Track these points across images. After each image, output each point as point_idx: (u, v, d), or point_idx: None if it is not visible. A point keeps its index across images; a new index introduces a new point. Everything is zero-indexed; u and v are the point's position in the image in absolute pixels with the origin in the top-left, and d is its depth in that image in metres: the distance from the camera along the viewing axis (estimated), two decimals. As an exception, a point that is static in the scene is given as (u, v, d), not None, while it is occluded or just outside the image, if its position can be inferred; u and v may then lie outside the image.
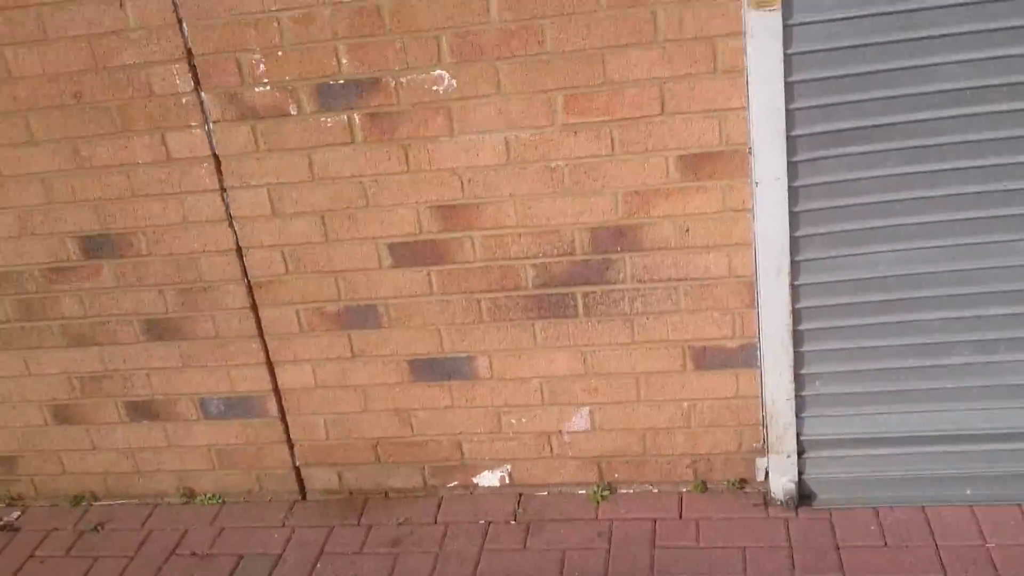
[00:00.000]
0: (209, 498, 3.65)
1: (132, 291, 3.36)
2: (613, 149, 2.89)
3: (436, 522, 3.35)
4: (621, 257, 3.01)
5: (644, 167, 2.90)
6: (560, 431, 3.29)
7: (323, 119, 2.98)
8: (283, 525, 3.47)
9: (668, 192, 2.91)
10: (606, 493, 3.30)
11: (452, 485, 3.46)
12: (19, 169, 3.24)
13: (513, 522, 3.28)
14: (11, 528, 3.70)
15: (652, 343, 3.10)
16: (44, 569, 3.45)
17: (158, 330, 3.41)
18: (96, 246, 3.31)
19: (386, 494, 3.52)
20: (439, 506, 3.42)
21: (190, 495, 3.68)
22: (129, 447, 3.65)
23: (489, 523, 3.29)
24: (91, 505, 3.75)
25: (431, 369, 3.29)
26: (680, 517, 3.15)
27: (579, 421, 3.25)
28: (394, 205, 3.07)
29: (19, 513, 3.78)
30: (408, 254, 3.13)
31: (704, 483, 3.26)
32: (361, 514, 3.46)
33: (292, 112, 2.99)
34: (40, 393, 3.62)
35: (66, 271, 3.37)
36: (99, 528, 3.62)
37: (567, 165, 2.93)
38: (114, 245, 3.30)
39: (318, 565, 3.25)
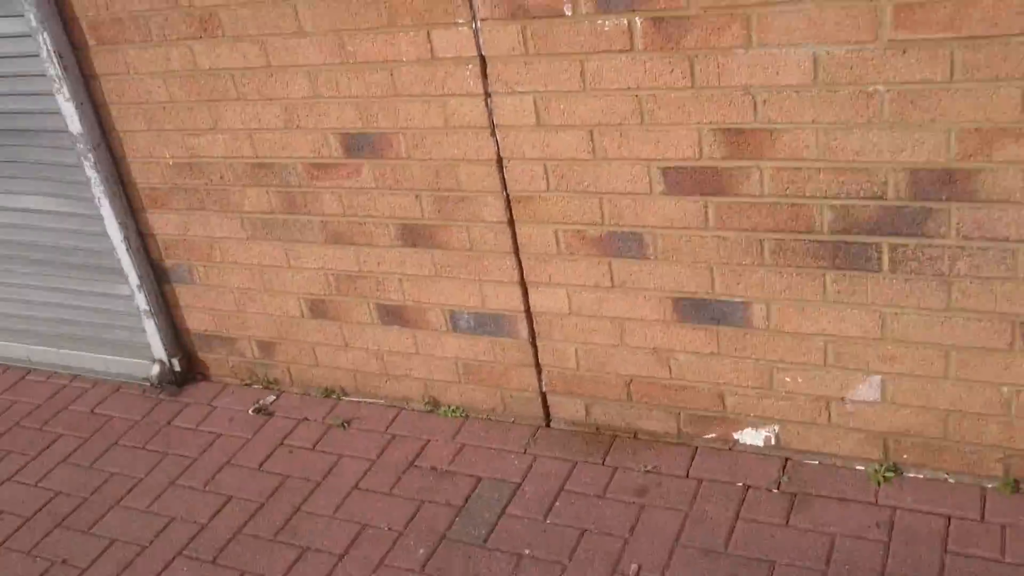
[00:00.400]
0: (452, 410, 3.55)
1: (389, 194, 3.21)
2: (952, 74, 2.32)
3: (688, 476, 3.05)
4: (946, 207, 2.47)
5: (991, 99, 2.31)
6: (842, 398, 2.85)
7: (600, 22, 2.61)
8: (524, 452, 3.30)
9: (1020, 132, 2.32)
10: (890, 474, 2.85)
11: (709, 437, 3.14)
12: (287, 60, 3.12)
13: (776, 491, 2.92)
14: (266, 412, 3.80)
15: (973, 313, 2.56)
16: (292, 459, 3.50)
17: (413, 236, 3.26)
18: (357, 145, 3.17)
19: (635, 435, 3.26)
20: (692, 458, 3.11)
21: (434, 405, 3.59)
22: (379, 349, 3.59)
23: (748, 487, 2.95)
24: (340, 400, 3.77)
25: (698, 310, 2.93)
26: (982, 519, 2.66)
27: (866, 390, 2.80)
28: (672, 124, 2.68)
29: (274, 398, 3.87)
30: (683, 181, 2.75)
31: (1016, 483, 2.73)
32: (607, 453, 3.22)
33: (566, 12, 2.63)
34: (298, 285, 3.61)
35: (327, 167, 3.27)
36: (346, 425, 3.62)
37: (889, 91, 2.40)
38: (374, 145, 3.14)
39: (557, 503, 3.06)
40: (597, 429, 3.31)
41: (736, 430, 3.08)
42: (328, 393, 3.79)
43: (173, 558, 3.15)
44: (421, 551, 2.98)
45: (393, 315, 3.48)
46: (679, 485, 3.02)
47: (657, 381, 3.12)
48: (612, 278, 3.01)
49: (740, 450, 3.09)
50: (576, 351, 3.20)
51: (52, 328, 4.27)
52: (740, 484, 2.97)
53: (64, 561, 3.23)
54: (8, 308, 4.35)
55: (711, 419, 3.10)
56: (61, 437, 3.89)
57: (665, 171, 2.75)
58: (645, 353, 3.08)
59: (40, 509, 3.49)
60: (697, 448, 3.14)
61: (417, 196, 3.17)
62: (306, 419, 3.70)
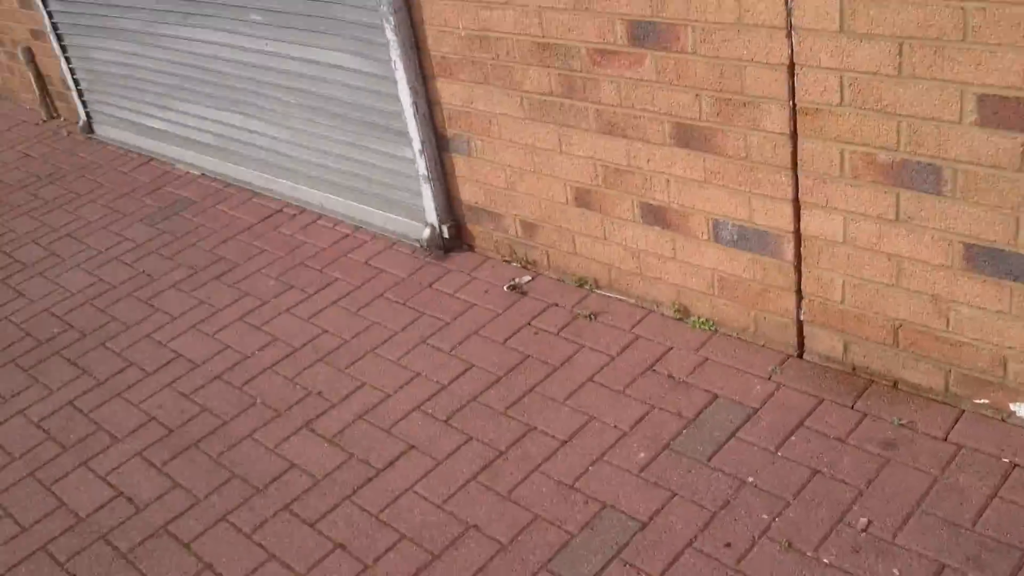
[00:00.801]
0: (701, 322, 3.42)
1: (669, 89, 3.06)
2: None
3: (946, 439, 2.77)
4: None
5: None
6: None
7: (935, -83, 2.27)
8: (768, 378, 3.14)
9: None
10: None
11: (980, 402, 2.81)
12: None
13: (1046, 477, 2.59)
14: (520, 290, 3.86)
15: None
16: (535, 341, 3.55)
17: (686, 137, 3.11)
18: (643, 33, 3.03)
19: (895, 384, 2.99)
20: (956, 421, 2.81)
21: (684, 313, 3.48)
22: (636, 247, 3.51)
23: (1015, 466, 2.63)
24: (592, 291, 3.75)
25: (991, 261, 2.58)
26: None
27: None
28: (1000, 45, 2.31)
29: (530, 278, 3.91)
30: (1001, 112, 2.39)
31: None
32: (859, 397, 2.99)
33: (895, -97, 2.31)
34: (567, 172, 3.58)
35: (610, 55, 3.16)
36: (592, 317, 3.61)
37: None
38: (660, 35, 2.98)
39: (792, 437, 2.90)
40: (853, 369, 3.07)
41: (1014, 401, 2.73)
42: (581, 283, 3.78)
43: (411, 410, 3.32)
44: (642, 455, 2.94)
45: (655, 215, 3.37)
46: (934, 447, 2.75)
47: (930, 331, 2.82)
48: (897, 211, 2.71)
49: (1014, 423, 2.75)
50: (843, 283, 2.95)
51: (343, 179, 4.55)
52: (1006, 460, 2.65)
53: (319, 393, 3.50)
54: (310, 156, 4.68)
55: (986, 383, 2.77)
56: (336, 281, 4.18)
57: (981, 98, 2.40)
58: (922, 299, 2.79)
59: (307, 343, 3.80)
60: (963, 411, 2.83)
61: (697, 95, 3.00)
62: (556, 304, 3.73)
